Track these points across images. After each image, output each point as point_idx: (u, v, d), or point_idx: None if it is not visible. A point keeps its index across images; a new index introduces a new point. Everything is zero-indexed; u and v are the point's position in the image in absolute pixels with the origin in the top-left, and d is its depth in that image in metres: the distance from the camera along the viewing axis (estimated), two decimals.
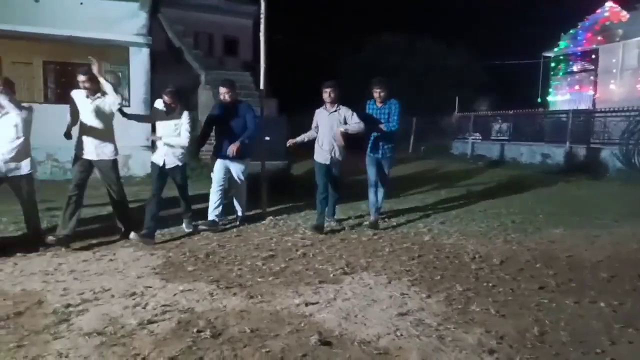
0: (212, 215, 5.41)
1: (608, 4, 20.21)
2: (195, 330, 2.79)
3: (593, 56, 19.66)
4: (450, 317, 3.10)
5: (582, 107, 17.78)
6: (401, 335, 2.80)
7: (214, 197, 5.43)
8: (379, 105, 5.68)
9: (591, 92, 19.55)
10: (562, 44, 21.33)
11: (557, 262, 4.43)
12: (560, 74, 21.44)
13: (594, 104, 18.30)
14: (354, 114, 5.51)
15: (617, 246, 5.03)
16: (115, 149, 4.79)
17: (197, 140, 5.72)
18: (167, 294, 3.41)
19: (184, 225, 5.35)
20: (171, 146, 5.02)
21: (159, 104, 5.07)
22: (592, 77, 19.73)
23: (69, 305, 3.14)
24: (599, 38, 19.39)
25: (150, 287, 3.54)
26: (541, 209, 6.73)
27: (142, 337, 2.71)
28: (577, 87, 20.45)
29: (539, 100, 22.00)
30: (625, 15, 19.13)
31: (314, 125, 5.71)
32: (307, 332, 2.80)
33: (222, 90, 5.41)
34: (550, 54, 21.82)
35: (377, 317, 3.05)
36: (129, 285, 3.59)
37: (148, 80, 10.29)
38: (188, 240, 4.98)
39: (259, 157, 6.16)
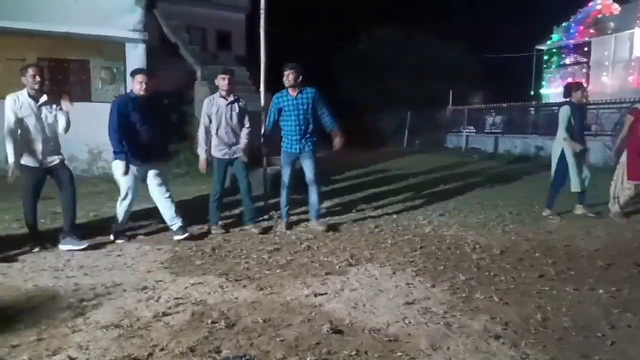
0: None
1: None
2: (209, 321, 2.87)
3: (585, 49, 19.83)
4: (456, 305, 3.19)
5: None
6: (409, 322, 2.89)
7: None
8: (293, 94, 5.17)
9: (584, 85, 19.72)
10: (555, 37, 21.48)
11: (556, 252, 4.55)
12: (553, 66, 21.60)
13: (586, 96, 18.46)
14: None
15: (612, 236, 5.16)
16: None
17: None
18: (178, 287, 3.48)
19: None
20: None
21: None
22: (584, 70, 19.90)
23: (82, 300, 3.21)
24: (592, 31, 19.55)
25: (161, 281, 3.61)
26: (537, 200, 6.85)
27: (159, 329, 2.78)
28: (570, 79, 20.56)
29: (532, 93, 22.18)
30: (616, 8, 19.29)
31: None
32: (318, 322, 2.88)
33: (143, 79, 4.70)
34: (544, 47, 21.96)
35: (384, 306, 3.15)
36: (140, 279, 3.66)
37: None
38: (193, 236, 5.04)
39: (261, 154, 6.20)
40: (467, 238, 5.00)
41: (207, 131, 5.16)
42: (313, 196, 5.37)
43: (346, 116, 21.60)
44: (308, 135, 5.26)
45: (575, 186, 5.87)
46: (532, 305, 3.21)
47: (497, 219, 5.95)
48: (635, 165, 5.67)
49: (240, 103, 5.24)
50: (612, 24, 18.49)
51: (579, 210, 6.10)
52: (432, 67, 21.58)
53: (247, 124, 5.26)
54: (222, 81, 5.14)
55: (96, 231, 5.01)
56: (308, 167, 5.29)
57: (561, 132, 5.91)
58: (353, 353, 2.51)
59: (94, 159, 9.48)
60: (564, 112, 5.90)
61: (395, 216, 6.08)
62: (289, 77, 5.12)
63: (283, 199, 5.41)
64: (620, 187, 5.84)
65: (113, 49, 9.98)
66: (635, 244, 4.82)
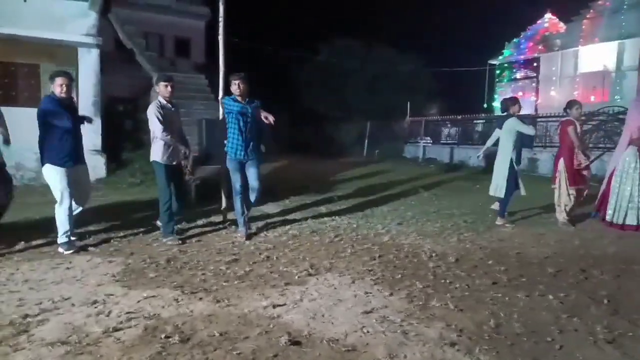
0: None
1: (547, 16, 21.47)
2: (163, 336, 2.78)
3: (535, 64, 20.81)
4: (413, 313, 3.23)
5: (525, 112, 18.75)
6: (367, 332, 2.90)
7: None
8: (242, 102, 5.26)
9: (533, 98, 20.66)
10: (506, 52, 22.43)
11: (508, 259, 4.69)
12: (505, 80, 22.53)
13: (536, 110, 19.35)
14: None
15: (561, 243, 5.38)
16: None
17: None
18: (130, 301, 3.35)
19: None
20: None
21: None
22: (534, 84, 20.88)
23: (27, 316, 3.04)
24: (540, 47, 20.54)
25: (112, 295, 3.47)
26: (490, 209, 7.06)
27: (109, 345, 2.66)
28: (520, 93, 21.51)
29: (485, 105, 23.02)
30: (562, 26, 20.38)
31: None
32: (276, 333, 2.85)
33: (64, 81, 4.56)
34: (496, 62, 22.88)
35: (343, 316, 3.15)
36: (90, 293, 3.50)
37: (98, 82, 9.98)
38: (147, 247, 4.89)
39: (220, 161, 6.11)
40: (424, 246, 5.09)
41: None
42: (251, 200, 5.50)
43: (306, 126, 21.80)
44: (253, 143, 5.36)
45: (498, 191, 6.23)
46: (486, 312, 3.29)
47: (453, 228, 6.10)
48: (572, 172, 6.08)
49: (181, 110, 5.35)
50: (558, 42, 19.50)
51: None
52: (391, 79, 22.03)
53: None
54: (164, 89, 5.13)
55: (45, 243, 4.78)
56: (252, 175, 5.39)
57: (509, 144, 6.14)
58: None
59: None
60: (513, 125, 6.16)
61: (355, 225, 6.12)
62: (240, 86, 5.20)
63: (238, 207, 5.37)
64: (564, 192, 6.17)
65: (65, 53, 9.63)
66: (582, 251, 5.04)
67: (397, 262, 4.50)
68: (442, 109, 22.28)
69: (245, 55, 21.41)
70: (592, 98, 17.31)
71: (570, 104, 6.32)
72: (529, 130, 6.21)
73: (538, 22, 21.65)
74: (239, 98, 5.25)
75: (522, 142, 6.34)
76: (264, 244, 5.08)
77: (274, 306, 3.28)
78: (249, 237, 5.31)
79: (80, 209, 4.93)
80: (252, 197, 5.47)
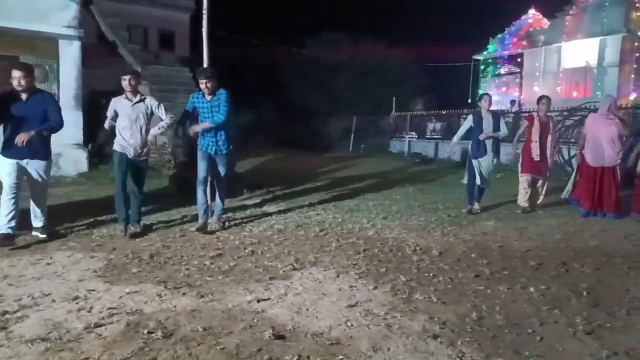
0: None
1: (531, 12, 21.66)
2: (145, 331, 2.75)
3: (518, 60, 21.01)
4: (396, 306, 3.25)
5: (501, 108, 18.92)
6: (351, 325, 2.91)
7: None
8: (208, 98, 5.30)
9: (517, 94, 20.87)
10: (490, 47, 22.60)
11: (490, 252, 4.75)
12: (489, 76, 22.71)
13: (519, 105, 19.55)
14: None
15: (543, 237, 5.46)
16: None
17: None
18: (112, 297, 3.31)
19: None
20: None
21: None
22: (517, 80, 21.10)
23: (5, 313, 2.98)
24: (524, 43, 20.74)
25: (94, 291, 3.42)
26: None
27: (90, 341, 2.63)
28: (504, 88, 21.77)
29: (470, 101, 23.18)
30: (546, 22, 20.60)
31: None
32: (260, 328, 2.84)
33: (16, 74, 4.53)
34: (480, 57, 23.04)
35: (327, 310, 3.15)
36: (71, 289, 3.45)
37: (79, 75, 9.81)
38: (130, 242, 4.84)
39: None
40: (409, 240, 5.12)
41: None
42: (219, 196, 5.59)
43: (293, 121, 21.75)
44: (223, 137, 5.38)
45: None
46: (469, 304, 3.32)
47: (437, 222, 6.14)
48: (527, 162, 6.75)
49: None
50: (542, 37, 19.72)
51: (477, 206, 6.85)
52: (377, 74, 22.07)
53: (164, 117, 5.22)
54: (123, 82, 5.05)
55: (22, 239, 4.70)
56: (220, 169, 5.46)
57: (456, 137, 7.16)
58: (295, 358, 2.49)
59: None
60: (466, 120, 6.93)
61: (340, 219, 6.12)
62: (207, 85, 5.21)
63: (199, 196, 5.37)
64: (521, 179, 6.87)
65: (45, 45, 9.43)
66: (564, 245, 5.12)
67: (382, 256, 4.52)
68: (427, 104, 22.38)
69: (232, 50, 21.26)
70: (575, 94, 17.58)
71: (538, 99, 6.98)
72: (463, 127, 6.98)
73: (522, 17, 21.84)
74: (206, 94, 5.28)
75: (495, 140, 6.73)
76: (248, 238, 5.06)
77: (259, 301, 3.27)
78: (204, 228, 5.26)
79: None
80: (219, 195, 5.58)
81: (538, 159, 6.64)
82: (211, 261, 4.21)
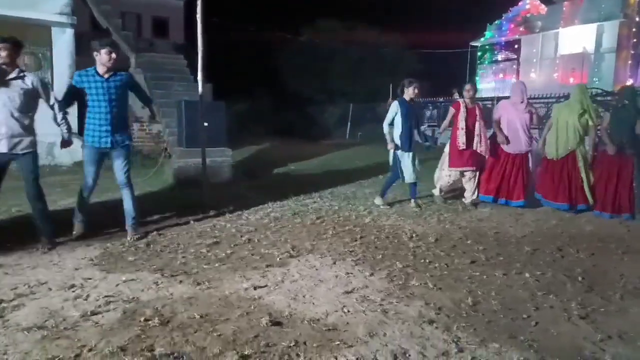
0: None
1: None
2: (142, 319, 2.76)
3: (516, 46, 20.89)
4: (392, 292, 3.27)
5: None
6: (348, 311, 2.93)
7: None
8: (104, 76, 4.27)
9: (514, 80, 20.78)
10: (487, 34, 22.43)
11: (486, 239, 4.77)
12: (486, 62, 22.58)
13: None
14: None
15: (538, 222, 5.48)
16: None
17: None
18: (109, 285, 3.32)
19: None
20: None
21: None
22: (514, 66, 20.99)
23: (1, 301, 2.98)
24: (521, 29, 20.60)
25: (90, 279, 3.43)
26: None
27: (87, 329, 2.64)
28: (501, 75, 21.66)
29: None
30: (544, 8, 20.45)
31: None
32: (257, 314, 2.85)
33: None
34: (477, 44, 22.90)
35: (324, 296, 3.16)
36: (67, 277, 3.45)
37: (73, 62, 9.70)
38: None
39: (199, 144, 6.03)
40: (405, 227, 5.13)
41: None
42: (127, 201, 4.54)
43: (289, 109, 21.65)
44: (121, 127, 4.41)
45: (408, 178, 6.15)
46: (464, 290, 3.34)
47: (433, 209, 6.15)
48: (455, 154, 6.31)
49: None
50: (539, 23, 19.58)
51: (414, 203, 6.26)
52: (373, 61, 21.93)
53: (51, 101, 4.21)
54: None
55: (21, 227, 4.68)
56: (119, 166, 4.44)
57: (384, 126, 6.40)
58: (292, 344, 2.50)
59: None
60: (391, 108, 6.37)
61: (337, 207, 6.13)
62: (110, 54, 4.21)
63: (81, 202, 4.51)
64: (442, 173, 6.63)
65: (38, 33, 9.31)
66: (559, 230, 5.15)
67: (378, 242, 4.53)
68: (423, 91, 22.30)
69: (227, 37, 21.09)
70: (571, 80, 17.50)
71: (464, 87, 6.67)
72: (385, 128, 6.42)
73: (519, 3, 21.65)
74: (100, 70, 4.25)
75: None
76: (245, 226, 5.06)
77: (255, 288, 3.28)
78: (80, 230, 4.49)
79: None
80: (127, 200, 4.53)
81: (464, 147, 6.17)
82: (208, 249, 4.21)
